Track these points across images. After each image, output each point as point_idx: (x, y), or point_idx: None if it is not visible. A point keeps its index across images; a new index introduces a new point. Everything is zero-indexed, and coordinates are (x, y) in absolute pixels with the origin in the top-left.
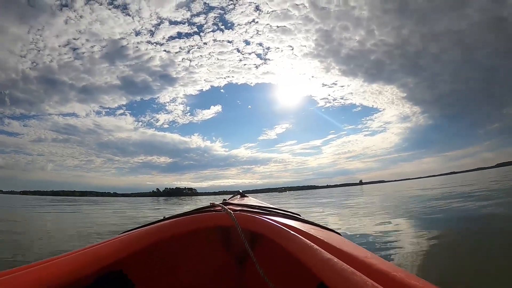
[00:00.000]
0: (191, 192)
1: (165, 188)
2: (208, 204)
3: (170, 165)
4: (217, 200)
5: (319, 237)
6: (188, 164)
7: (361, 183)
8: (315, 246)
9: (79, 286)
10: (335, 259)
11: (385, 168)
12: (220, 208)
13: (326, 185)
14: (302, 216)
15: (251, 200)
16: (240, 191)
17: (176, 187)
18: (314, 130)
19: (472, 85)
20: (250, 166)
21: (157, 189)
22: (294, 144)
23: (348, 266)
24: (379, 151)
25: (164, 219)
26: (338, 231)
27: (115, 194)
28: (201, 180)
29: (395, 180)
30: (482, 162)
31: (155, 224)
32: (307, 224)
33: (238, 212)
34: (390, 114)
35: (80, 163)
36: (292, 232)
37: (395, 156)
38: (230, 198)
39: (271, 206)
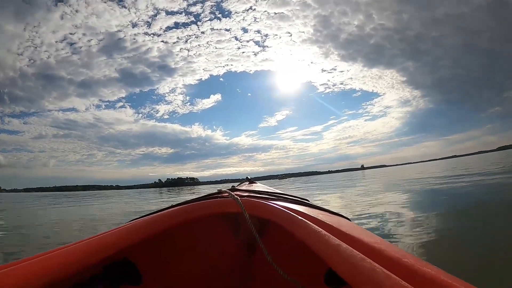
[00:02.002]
0: (192, 182)
1: (167, 179)
2: (215, 191)
3: (172, 155)
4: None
5: (328, 222)
6: (190, 153)
7: (362, 168)
8: (324, 232)
9: (86, 275)
10: (344, 245)
11: (386, 153)
12: (227, 194)
13: (327, 170)
14: (310, 201)
15: (259, 186)
16: (248, 177)
17: (178, 177)
18: (314, 116)
19: (473, 69)
20: (252, 154)
21: (159, 180)
22: (294, 130)
23: (358, 252)
24: (380, 135)
25: (171, 206)
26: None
27: (118, 187)
28: (203, 169)
29: (396, 165)
30: (483, 146)
31: (162, 212)
32: (315, 210)
33: (245, 198)
34: (390, 98)
35: (81, 157)
36: (299, 217)
37: (396, 141)
38: (238, 185)
39: (279, 191)
